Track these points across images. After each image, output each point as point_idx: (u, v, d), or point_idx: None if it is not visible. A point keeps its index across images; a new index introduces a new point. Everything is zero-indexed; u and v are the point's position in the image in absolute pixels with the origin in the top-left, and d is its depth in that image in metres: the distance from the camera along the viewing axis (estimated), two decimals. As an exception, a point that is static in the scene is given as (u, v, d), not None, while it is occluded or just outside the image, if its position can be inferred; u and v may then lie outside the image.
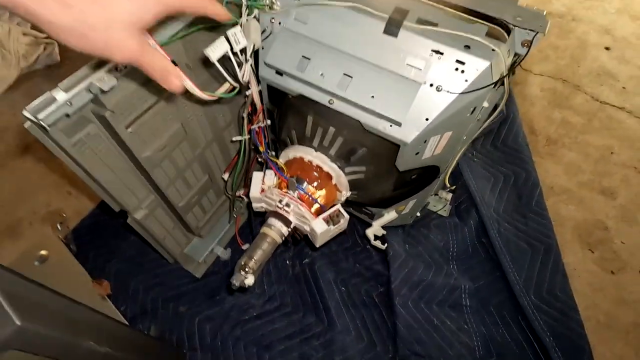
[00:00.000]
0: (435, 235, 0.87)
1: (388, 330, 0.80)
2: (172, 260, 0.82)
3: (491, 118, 0.58)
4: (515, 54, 0.50)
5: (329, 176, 0.61)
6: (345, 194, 0.64)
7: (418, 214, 0.81)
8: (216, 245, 0.89)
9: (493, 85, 0.49)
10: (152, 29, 0.39)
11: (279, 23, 0.54)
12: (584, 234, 0.92)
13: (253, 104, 0.62)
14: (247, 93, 0.60)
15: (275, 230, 0.58)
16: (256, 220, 0.86)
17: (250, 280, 0.55)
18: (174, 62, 0.41)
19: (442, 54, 0.48)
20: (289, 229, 0.60)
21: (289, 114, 0.63)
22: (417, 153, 0.56)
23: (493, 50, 0.46)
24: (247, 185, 0.74)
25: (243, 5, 0.51)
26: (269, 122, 0.66)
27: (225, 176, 0.77)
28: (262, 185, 0.62)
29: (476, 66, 0.47)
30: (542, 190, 0.90)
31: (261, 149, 0.65)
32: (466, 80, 0.48)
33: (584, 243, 0.91)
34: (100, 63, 0.46)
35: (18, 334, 0.33)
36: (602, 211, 0.95)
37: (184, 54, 0.54)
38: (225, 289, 0.86)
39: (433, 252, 0.86)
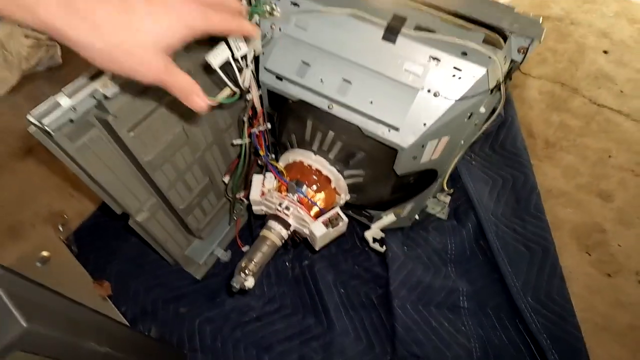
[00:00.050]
0: (433, 238, 0.88)
1: (387, 332, 0.80)
2: (173, 262, 0.83)
3: (489, 122, 0.59)
4: (512, 61, 0.51)
5: (328, 180, 0.62)
6: (344, 197, 0.65)
7: (417, 217, 0.82)
8: (216, 247, 0.90)
9: (490, 92, 0.49)
10: None
11: (279, 29, 0.55)
12: (582, 236, 0.93)
13: (253, 108, 0.62)
14: (248, 97, 0.60)
15: (275, 233, 0.59)
16: (256, 222, 0.87)
17: (250, 282, 0.56)
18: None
19: (439, 60, 0.49)
20: (289, 232, 0.60)
21: (288, 118, 0.64)
22: (415, 157, 0.56)
23: (489, 57, 0.47)
24: (247, 187, 0.75)
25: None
26: (269, 125, 0.67)
27: (226, 179, 0.78)
28: (262, 189, 0.63)
29: (473, 73, 0.48)
30: (540, 193, 0.91)
31: (261, 152, 0.66)
32: (463, 87, 0.48)
33: (581, 246, 0.92)
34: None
35: (24, 336, 0.33)
36: (599, 214, 0.96)
37: (186, 59, 0.55)
38: (226, 290, 0.86)
39: (431, 254, 0.86)
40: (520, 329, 0.77)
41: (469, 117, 0.53)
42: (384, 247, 0.81)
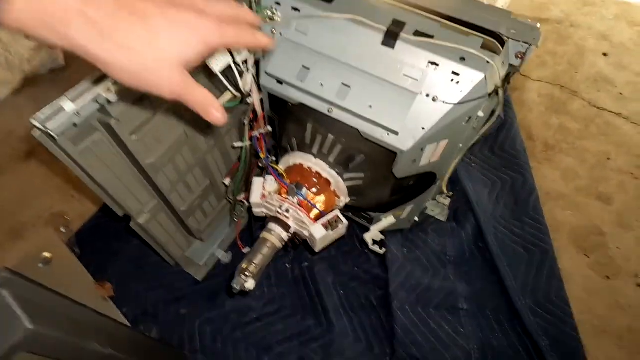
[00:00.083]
0: (433, 240, 0.88)
1: (386, 333, 0.81)
2: (174, 263, 0.83)
3: (488, 125, 0.60)
4: (510, 65, 0.52)
5: (328, 182, 0.63)
6: (344, 199, 0.65)
7: (416, 219, 0.82)
8: (217, 248, 0.90)
9: (488, 96, 0.50)
10: None
11: (280, 34, 0.56)
12: (580, 239, 0.94)
13: (254, 111, 0.63)
14: (249, 101, 0.61)
15: (275, 235, 0.60)
16: (257, 224, 0.87)
17: (250, 284, 0.56)
18: None
19: (438, 65, 0.49)
20: (289, 234, 0.61)
21: (289, 122, 0.64)
22: (414, 160, 0.57)
23: (487, 62, 0.47)
24: (248, 190, 0.75)
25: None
26: (269, 129, 0.68)
27: (227, 181, 0.78)
28: (263, 191, 0.64)
29: (471, 77, 0.48)
30: (539, 196, 0.92)
31: (262, 155, 0.67)
32: (461, 91, 0.49)
33: (579, 248, 0.92)
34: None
35: (29, 337, 0.34)
36: (598, 217, 0.97)
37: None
38: (226, 292, 0.87)
39: (431, 256, 0.87)
40: (519, 331, 0.78)
41: (468, 121, 0.54)
42: (384, 249, 0.81)
